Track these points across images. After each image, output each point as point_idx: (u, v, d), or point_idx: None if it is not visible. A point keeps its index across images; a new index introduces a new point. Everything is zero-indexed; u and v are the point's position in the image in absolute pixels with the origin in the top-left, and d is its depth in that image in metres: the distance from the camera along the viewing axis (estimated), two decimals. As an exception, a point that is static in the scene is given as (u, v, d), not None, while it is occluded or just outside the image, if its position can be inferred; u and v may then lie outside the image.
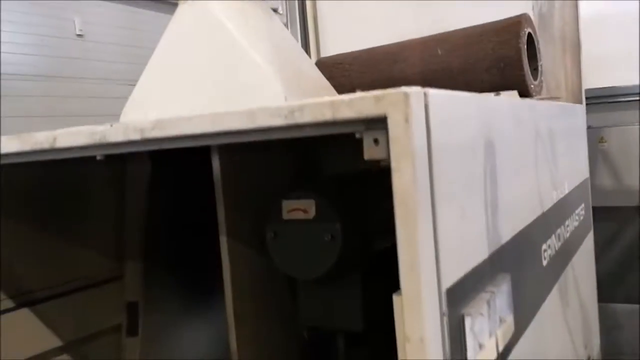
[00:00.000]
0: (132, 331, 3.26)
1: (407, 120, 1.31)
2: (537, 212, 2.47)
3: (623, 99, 6.19)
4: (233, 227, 2.51)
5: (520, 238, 2.17)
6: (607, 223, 6.19)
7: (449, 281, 1.50)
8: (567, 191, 3.10)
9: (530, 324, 2.23)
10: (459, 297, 1.54)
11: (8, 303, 2.82)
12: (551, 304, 2.62)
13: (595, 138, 6.13)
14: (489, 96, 2.35)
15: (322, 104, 1.42)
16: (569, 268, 3.01)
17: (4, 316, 2.79)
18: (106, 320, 3.26)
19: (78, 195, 3.18)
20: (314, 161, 3.04)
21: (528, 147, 2.36)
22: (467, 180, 1.67)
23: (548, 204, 2.65)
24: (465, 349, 1.53)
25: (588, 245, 3.80)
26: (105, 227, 3.31)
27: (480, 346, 1.61)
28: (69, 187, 3.12)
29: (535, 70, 3.17)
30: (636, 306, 6.47)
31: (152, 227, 3.37)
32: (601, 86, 6.06)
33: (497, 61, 2.98)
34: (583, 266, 3.56)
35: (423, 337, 1.38)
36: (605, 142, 6.21)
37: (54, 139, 1.87)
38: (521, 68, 2.94)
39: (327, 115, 1.41)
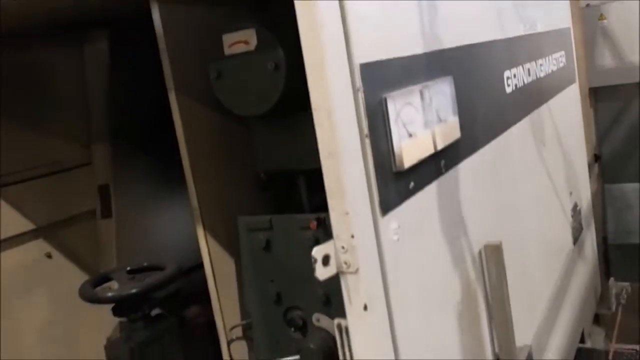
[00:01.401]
0: (106, 213, 3.23)
1: None
2: (497, 36, 2.33)
3: (620, -28, 5.87)
4: (181, 81, 2.40)
5: (470, 51, 2.05)
6: (610, 103, 5.98)
7: (364, 57, 1.39)
8: (539, 29, 2.94)
9: (491, 143, 2.13)
10: (378, 77, 1.43)
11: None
12: (521, 136, 2.52)
13: (595, 15, 5.84)
14: None
15: None
16: (544, 109, 2.89)
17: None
18: (79, 205, 3.23)
19: (40, 83, 3.10)
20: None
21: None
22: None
23: (511, 33, 2.52)
24: (390, 132, 1.43)
25: (572, 97, 3.65)
26: (70, 114, 3.24)
27: (411, 135, 1.51)
28: (31, 75, 3.04)
29: None
30: (645, 183, 6.35)
31: (116, 109, 3.29)
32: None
33: None
34: (566, 116, 3.43)
35: (330, 109, 1.28)
36: (605, 19, 5.92)
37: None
38: None
39: None
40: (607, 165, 5.97)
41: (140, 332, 2.51)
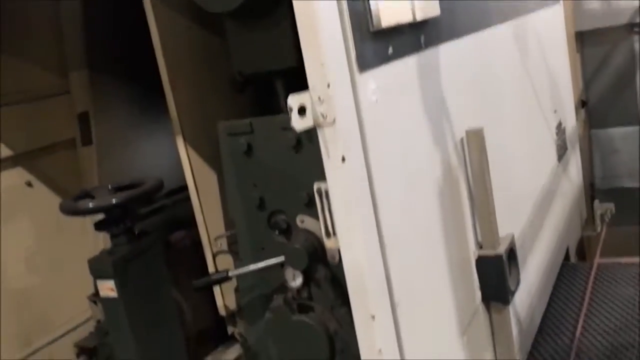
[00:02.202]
0: (86, 140, 3.18)
1: None
2: None
3: None
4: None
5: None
6: (597, 48, 5.94)
7: None
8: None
9: (472, 35, 2.10)
10: None
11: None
12: (504, 39, 2.49)
13: (580, -48, 5.77)
14: None
15: None
16: (528, 20, 2.86)
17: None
18: (58, 133, 3.17)
19: (11, 10, 3.01)
20: None
21: None
22: None
23: None
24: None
25: (556, 19, 3.62)
26: (44, 42, 3.16)
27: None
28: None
29: None
30: (631, 128, 6.36)
31: (92, 35, 3.21)
32: None
33: None
34: (551, 36, 3.40)
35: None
36: (591, -43, 5.85)
37: None
38: None
39: None
40: (593, 111, 5.96)
41: (124, 246, 2.48)
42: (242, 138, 2.26)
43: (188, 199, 2.66)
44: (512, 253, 1.98)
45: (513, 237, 2.01)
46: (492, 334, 2.00)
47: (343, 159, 1.27)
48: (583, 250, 3.79)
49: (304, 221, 2.21)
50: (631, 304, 2.70)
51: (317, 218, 2.19)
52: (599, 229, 3.64)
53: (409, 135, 1.60)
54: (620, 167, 6.48)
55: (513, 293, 1.95)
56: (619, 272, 3.01)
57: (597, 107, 5.99)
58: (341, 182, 1.29)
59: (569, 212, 3.38)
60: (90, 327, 3.13)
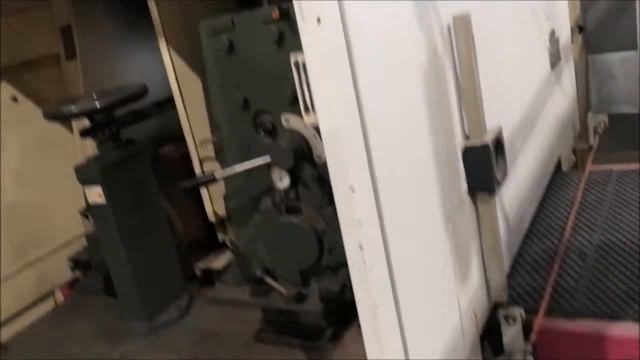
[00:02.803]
0: (70, 54, 3.11)
1: None
2: None
3: None
4: None
5: None
6: (594, -29, 5.78)
7: None
8: None
9: None
10: None
11: None
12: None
13: None
14: None
15: None
16: None
17: None
18: (42, 47, 3.10)
19: None
20: None
21: None
22: None
23: None
24: None
25: None
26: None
27: None
28: None
29: None
30: (628, 53, 6.26)
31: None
32: None
33: None
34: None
35: None
36: None
37: None
38: None
39: None
40: (590, 36, 5.84)
41: (111, 153, 2.47)
42: (223, 36, 2.20)
43: (175, 108, 2.63)
44: (499, 144, 1.96)
45: (500, 128, 1.98)
46: (478, 225, 2.00)
47: (318, 20, 1.22)
48: (576, 164, 3.77)
49: (289, 120, 2.19)
50: (621, 206, 2.70)
51: (302, 116, 2.17)
52: (592, 141, 3.61)
53: (390, 8, 1.54)
54: (617, 93, 6.42)
55: (499, 183, 1.94)
56: (610, 178, 3.00)
57: (594, 33, 5.88)
58: (317, 47, 1.25)
59: (562, 122, 3.34)
60: (84, 242, 3.16)
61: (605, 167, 3.13)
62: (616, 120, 5.95)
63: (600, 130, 3.57)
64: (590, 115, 3.72)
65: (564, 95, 3.48)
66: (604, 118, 3.63)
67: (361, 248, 1.37)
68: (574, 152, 3.77)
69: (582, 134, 3.71)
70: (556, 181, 3.09)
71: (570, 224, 2.58)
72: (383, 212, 1.42)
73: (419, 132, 1.68)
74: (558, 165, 3.32)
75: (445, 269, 1.79)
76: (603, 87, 6.28)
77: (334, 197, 1.38)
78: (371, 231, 1.39)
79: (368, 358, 1.48)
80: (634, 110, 6.39)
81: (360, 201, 1.36)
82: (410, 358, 1.53)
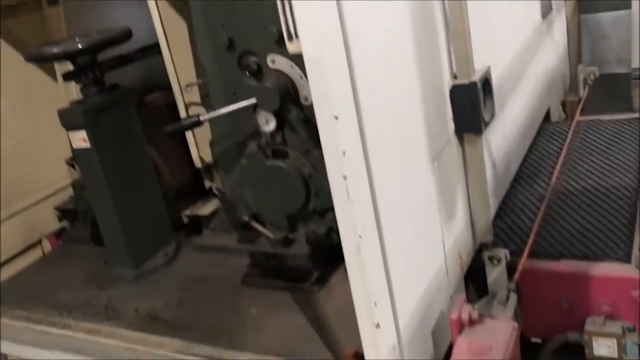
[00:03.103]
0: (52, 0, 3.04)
1: None
2: None
3: None
4: None
5: None
6: None
7: None
8: None
9: None
10: None
11: None
12: None
13: None
14: None
15: None
16: None
17: None
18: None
19: None
20: None
21: None
22: None
23: None
24: None
25: None
26: None
27: None
28: None
29: None
30: (620, 12, 6.19)
31: None
32: None
33: None
34: None
35: None
36: None
37: None
38: None
39: None
40: (583, -3, 5.77)
41: (94, 97, 2.43)
42: (208, -25, 2.15)
43: (160, 54, 2.58)
44: (487, 84, 1.94)
45: (489, 68, 1.96)
46: (465, 166, 1.99)
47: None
48: (565, 116, 3.77)
49: (274, 61, 2.16)
50: (609, 153, 2.71)
51: (288, 57, 2.13)
52: (581, 93, 3.60)
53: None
54: (609, 53, 6.37)
55: (487, 124, 1.92)
56: (599, 127, 3.00)
57: (588, -7, 5.80)
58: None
59: (551, 74, 3.33)
60: (71, 192, 3.13)
61: (594, 117, 3.13)
62: (607, 80, 5.94)
63: (590, 82, 3.55)
64: (580, 66, 3.70)
65: (554, 47, 3.46)
66: (594, 70, 3.61)
67: (345, 178, 1.36)
68: (564, 105, 3.77)
69: (572, 86, 3.70)
70: (544, 131, 3.08)
71: (557, 170, 2.58)
72: (367, 143, 1.40)
73: (406, 66, 1.66)
74: (547, 117, 3.32)
75: (430, 207, 1.79)
76: (595, 47, 6.24)
77: (318, 127, 1.36)
78: (355, 161, 1.38)
79: (352, 290, 1.49)
80: (626, 70, 6.37)
81: (344, 130, 1.34)
82: (394, 292, 1.54)
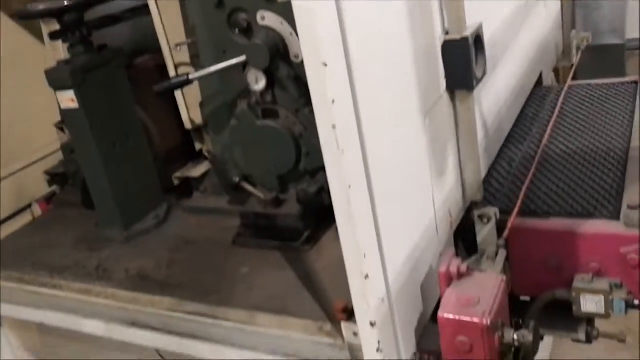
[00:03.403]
0: (38, -41, 2.98)
1: None
2: None
3: None
4: None
5: None
6: None
7: None
8: None
9: None
10: None
11: None
12: None
13: None
14: None
15: None
16: None
17: None
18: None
19: None
20: None
21: None
22: None
23: None
24: None
25: None
26: None
27: None
28: None
29: None
30: (616, -17, 6.19)
31: None
32: None
33: None
34: None
35: None
36: None
37: None
38: None
39: None
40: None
41: (82, 56, 2.40)
42: None
43: (150, 15, 2.55)
44: (479, 40, 1.92)
45: (481, 24, 1.94)
46: (456, 124, 1.99)
47: None
48: (558, 81, 3.76)
49: (264, 18, 2.13)
50: (600, 116, 2.70)
51: (278, 13, 2.11)
52: (574, 60, 3.59)
53: None
54: (604, 23, 6.35)
55: (478, 80, 1.91)
56: (591, 91, 2.99)
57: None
58: None
59: (545, 39, 3.31)
60: (61, 157, 3.11)
61: (586, 81, 3.12)
62: (601, 51, 5.92)
63: (582, 48, 3.54)
64: (573, 32, 3.68)
65: (547, 14, 3.43)
66: (587, 35, 3.59)
67: (334, 127, 1.35)
68: (557, 72, 3.75)
69: (565, 51, 3.68)
70: (536, 95, 3.07)
71: (548, 132, 2.58)
72: (357, 92, 1.39)
73: (397, 19, 1.64)
74: (539, 82, 3.30)
75: (421, 162, 1.78)
76: (589, 19, 6.22)
77: (307, 75, 1.35)
78: (344, 110, 1.37)
79: (342, 242, 1.49)
80: (619, 41, 6.36)
81: (333, 77, 1.33)
82: (383, 244, 1.54)
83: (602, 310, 1.93)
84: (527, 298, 2.14)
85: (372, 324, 1.53)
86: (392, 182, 1.61)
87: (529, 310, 2.07)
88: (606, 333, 2.13)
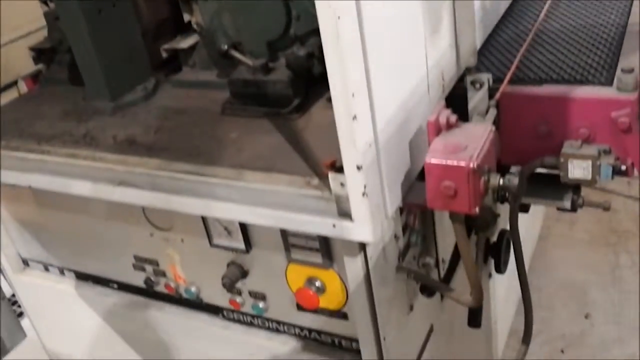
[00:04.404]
0: None
1: None
2: None
3: None
4: None
5: None
6: None
7: None
8: None
9: None
10: None
11: None
12: None
13: None
14: None
15: None
16: None
17: None
18: None
19: None
20: None
21: None
22: None
23: None
24: None
25: None
26: None
27: None
28: None
29: None
30: None
31: None
32: None
33: None
34: None
35: None
36: None
37: None
38: None
39: None
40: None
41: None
42: None
43: None
44: None
45: None
46: (452, -16, 1.93)
47: None
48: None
49: None
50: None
51: None
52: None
53: None
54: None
55: None
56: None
57: None
58: None
59: None
60: (46, 34, 3.03)
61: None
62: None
63: None
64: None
65: None
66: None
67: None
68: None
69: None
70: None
71: (545, 9, 2.51)
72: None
73: None
74: None
75: (415, 14, 1.74)
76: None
77: None
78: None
79: (330, 82, 1.46)
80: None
81: None
82: (372, 85, 1.52)
83: (589, 176, 1.94)
84: (517, 167, 2.14)
85: (359, 167, 1.53)
86: (382, 21, 1.56)
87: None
88: (591, 202, 2.15)
